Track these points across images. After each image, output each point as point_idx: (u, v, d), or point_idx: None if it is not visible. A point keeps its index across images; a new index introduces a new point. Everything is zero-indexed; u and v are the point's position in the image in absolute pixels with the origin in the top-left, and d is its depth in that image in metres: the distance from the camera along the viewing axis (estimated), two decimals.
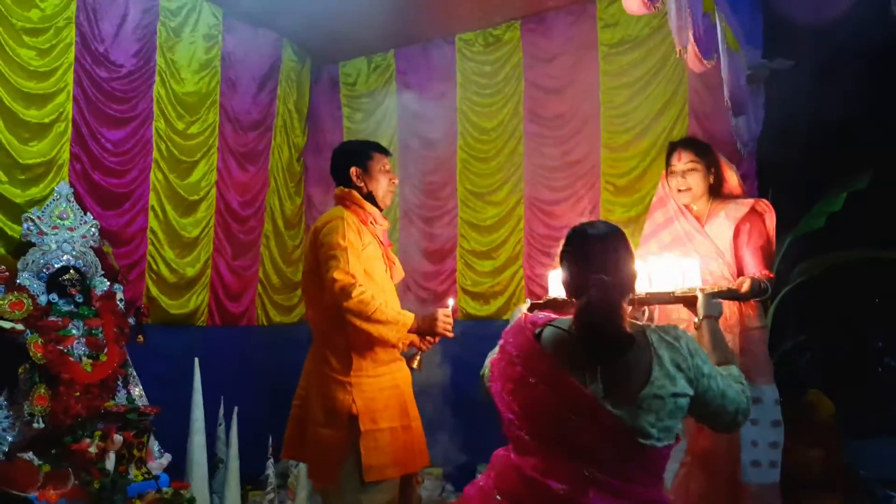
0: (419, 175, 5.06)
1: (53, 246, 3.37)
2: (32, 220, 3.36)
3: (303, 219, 5.42)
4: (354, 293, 2.28)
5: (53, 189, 3.50)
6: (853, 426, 3.55)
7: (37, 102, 3.59)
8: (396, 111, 5.16)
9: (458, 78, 4.98)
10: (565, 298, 1.77)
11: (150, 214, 4.14)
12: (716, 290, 2.18)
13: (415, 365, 2.58)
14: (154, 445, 3.38)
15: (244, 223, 4.81)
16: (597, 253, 1.63)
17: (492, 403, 1.69)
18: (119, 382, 3.37)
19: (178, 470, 3.57)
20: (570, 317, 1.62)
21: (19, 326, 2.99)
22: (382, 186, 2.62)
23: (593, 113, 4.50)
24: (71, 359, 3.11)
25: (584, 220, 1.73)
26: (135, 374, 3.48)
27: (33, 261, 3.30)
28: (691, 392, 1.56)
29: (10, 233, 3.40)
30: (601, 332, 1.53)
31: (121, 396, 3.36)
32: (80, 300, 3.31)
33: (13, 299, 3.03)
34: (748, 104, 3.27)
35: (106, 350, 3.27)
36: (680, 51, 2.57)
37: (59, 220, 3.43)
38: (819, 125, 3.49)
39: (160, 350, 3.82)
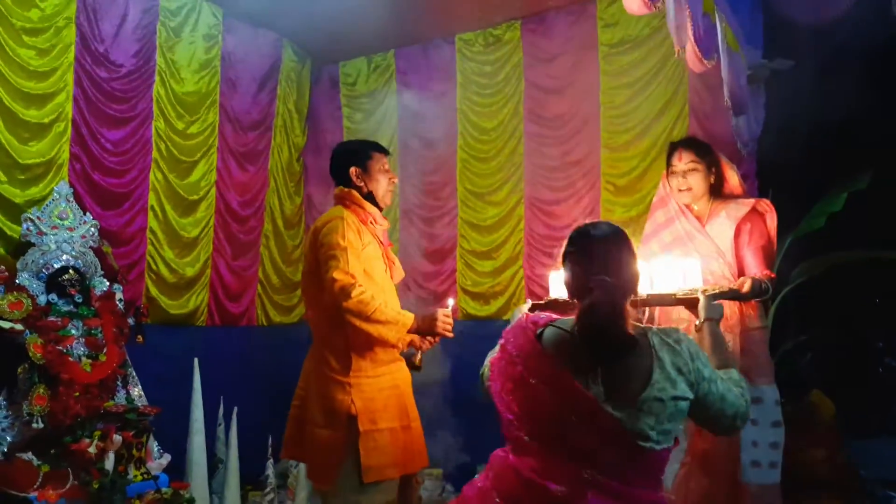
0: (419, 175, 5.06)
1: (53, 246, 3.36)
2: (32, 220, 3.36)
3: (303, 219, 5.42)
4: (354, 293, 2.28)
5: (53, 189, 3.50)
6: (854, 426, 3.55)
7: (36, 102, 3.58)
8: (396, 111, 5.16)
9: (459, 78, 4.98)
10: (566, 299, 1.77)
11: (150, 214, 4.14)
12: (717, 291, 2.17)
13: (415, 364, 2.58)
14: (153, 445, 3.38)
15: (244, 223, 4.80)
16: (600, 254, 1.63)
17: (491, 403, 1.68)
18: (118, 382, 3.36)
19: (177, 470, 3.56)
20: (571, 317, 1.62)
21: (19, 326, 2.99)
22: (382, 186, 2.62)
23: (593, 113, 4.50)
24: (70, 359, 3.11)
25: (585, 220, 1.73)
26: (134, 374, 3.47)
27: (33, 261, 3.30)
28: (691, 395, 1.56)
29: (9, 233, 3.39)
30: (604, 333, 1.52)
31: (120, 396, 3.35)
32: (80, 300, 3.31)
33: (12, 299, 3.02)
34: (748, 104, 3.26)
35: (105, 350, 3.26)
36: (678, 51, 2.57)
37: (58, 220, 3.43)
38: (819, 125, 3.49)
39: (160, 350, 3.82)
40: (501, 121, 4.83)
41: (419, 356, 2.58)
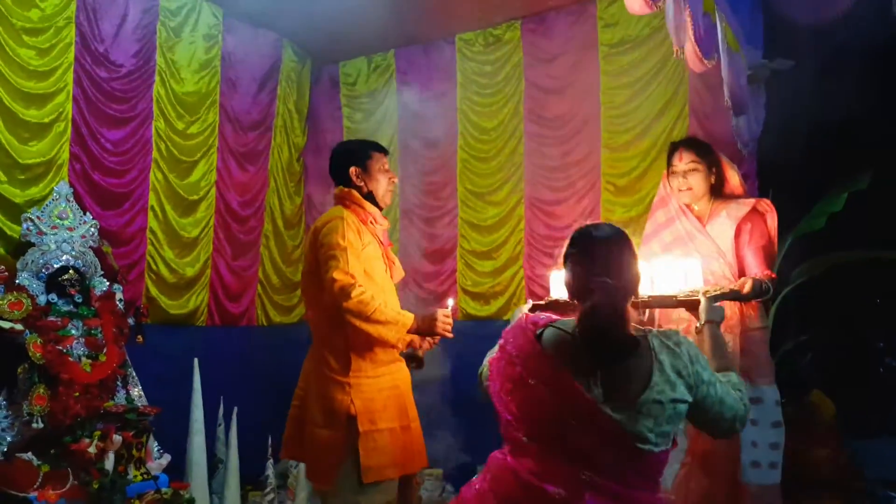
0: (419, 175, 5.06)
1: (53, 246, 3.36)
2: (32, 220, 3.36)
3: (303, 219, 5.42)
4: (354, 293, 2.28)
5: (53, 189, 3.50)
6: (854, 426, 3.55)
7: (36, 102, 3.58)
8: (396, 111, 5.15)
9: (459, 78, 4.98)
10: (567, 300, 1.76)
11: (150, 214, 4.14)
12: (717, 292, 2.17)
13: (418, 357, 2.58)
14: (153, 446, 3.37)
15: (244, 223, 4.80)
16: (601, 255, 1.62)
17: (490, 403, 1.68)
18: (118, 382, 3.36)
19: (177, 470, 3.56)
20: (571, 318, 1.62)
21: (18, 326, 2.99)
22: (382, 186, 2.61)
23: (594, 113, 4.50)
24: (70, 359, 3.11)
25: (585, 220, 1.73)
26: (134, 374, 3.47)
27: (32, 261, 3.30)
28: (690, 398, 1.56)
29: (9, 233, 3.39)
30: (605, 335, 1.52)
31: (120, 396, 3.35)
32: (80, 300, 3.31)
33: (12, 299, 3.02)
34: (749, 104, 3.26)
35: (105, 350, 3.26)
36: (677, 50, 2.57)
37: (58, 220, 3.43)
38: (819, 125, 3.49)
39: (160, 350, 3.81)
40: (501, 121, 4.83)
41: (419, 356, 2.58)
